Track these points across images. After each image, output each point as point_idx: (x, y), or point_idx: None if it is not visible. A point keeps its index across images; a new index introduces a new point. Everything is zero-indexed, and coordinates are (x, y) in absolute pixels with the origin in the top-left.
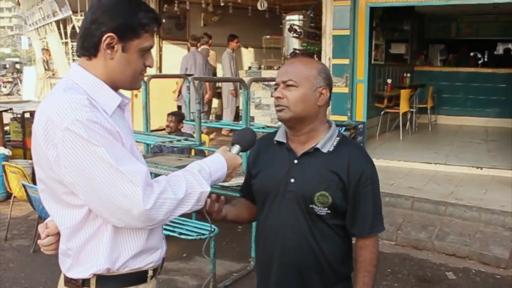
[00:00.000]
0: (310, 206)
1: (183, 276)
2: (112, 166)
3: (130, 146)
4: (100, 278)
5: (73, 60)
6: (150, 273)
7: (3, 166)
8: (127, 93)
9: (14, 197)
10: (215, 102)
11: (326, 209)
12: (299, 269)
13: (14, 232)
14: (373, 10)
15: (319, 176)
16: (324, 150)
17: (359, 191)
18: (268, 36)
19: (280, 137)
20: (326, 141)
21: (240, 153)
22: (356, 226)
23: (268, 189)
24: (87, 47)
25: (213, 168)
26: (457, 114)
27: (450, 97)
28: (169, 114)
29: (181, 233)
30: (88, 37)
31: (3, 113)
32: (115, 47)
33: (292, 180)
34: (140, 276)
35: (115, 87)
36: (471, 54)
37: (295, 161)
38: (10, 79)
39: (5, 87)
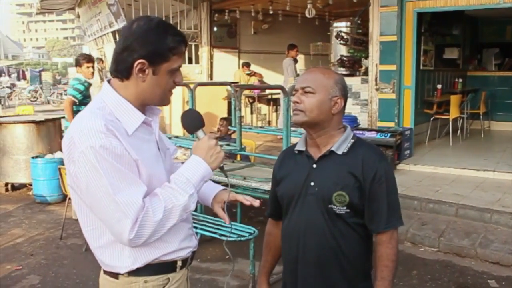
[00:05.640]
0: (329, 206)
1: (224, 277)
2: (109, 195)
3: (147, 176)
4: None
5: None
6: (179, 263)
7: (59, 169)
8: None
9: (69, 198)
10: (264, 109)
11: (345, 208)
12: (321, 268)
13: (68, 231)
14: (420, 16)
15: (336, 177)
16: (339, 152)
17: (374, 188)
18: (319, 43)
19: (300, 146)
20: (341, 144)
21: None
22: (372, 222)
23: (291, 194)
24: (121, 71)
25: (189, 171)
26: None
27: (505, 103)
28: (221, 119)
29: (221, 235)
30: (121, 63)
31: (61, 119)
32: (146, 71)
33: (312, 184)
34: (170, 266)
35: (145, 105)
36: None
37: (314, 166)
38: None
39: (65, 95)
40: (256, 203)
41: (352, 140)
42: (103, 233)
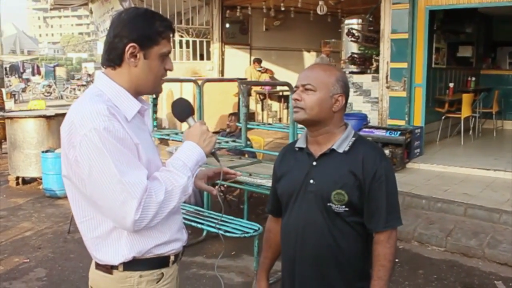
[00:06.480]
0: (328, 204)
1: (229, 273)
2: (115, 176)
3: (147, 160)
4: (126, 262)
5: None
6: (172, 258)
7: None
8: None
9: None
10: (275, 105)
11: (344, 206)
12: (319, 266)
13: (76, 225)
14: (433, 13)
15: (336, 176)
16: (340, 150)
17: (373, 187)
18: (332, 40)
19: (300, 143)
20: (342, 142)
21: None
22: (371, 222)
23: (290, 191)
24: (113, 58)
25: (184, 155)
26: None
27: None
28: (230, 114)
29: (226, 231)
30: (113, 50)
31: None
32: (137, 56)
33: (311, 181)
34: (163, 261)
35: (138, 93)
36: None
37: (314, 163)
38: (84, 83)
39: (79, 90)
40: (239, 174)
41: (353, 138)
42: (99, 223)
